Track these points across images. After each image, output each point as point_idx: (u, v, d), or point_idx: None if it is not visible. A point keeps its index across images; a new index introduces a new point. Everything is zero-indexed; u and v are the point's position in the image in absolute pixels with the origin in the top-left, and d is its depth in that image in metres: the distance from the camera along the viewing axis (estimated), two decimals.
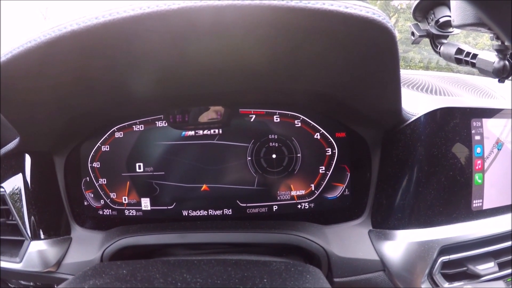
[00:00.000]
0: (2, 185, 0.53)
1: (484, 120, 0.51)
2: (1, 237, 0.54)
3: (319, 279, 0.36)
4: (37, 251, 0.50)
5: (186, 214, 0.51)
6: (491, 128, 0.52)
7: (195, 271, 0.37)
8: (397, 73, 0.38)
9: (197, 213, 0.51)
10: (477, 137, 0.52)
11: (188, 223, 0.50)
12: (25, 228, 0.50)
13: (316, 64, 0.39)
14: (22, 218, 0.51)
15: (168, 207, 0.52)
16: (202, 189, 0.51)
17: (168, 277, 0.35)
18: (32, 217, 0.51)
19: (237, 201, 0.51)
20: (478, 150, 0.51)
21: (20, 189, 0.52)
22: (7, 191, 0.52)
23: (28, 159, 0.52)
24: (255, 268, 0.37)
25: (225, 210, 0.51)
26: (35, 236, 0.50)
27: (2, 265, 0.52)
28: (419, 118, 0.47)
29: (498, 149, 0.53)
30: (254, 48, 0.36)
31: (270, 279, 0.35)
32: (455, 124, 0.48)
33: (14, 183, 0.52)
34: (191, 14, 0.31)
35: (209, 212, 0.51)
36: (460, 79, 0.76)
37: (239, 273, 0.36)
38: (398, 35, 0.41)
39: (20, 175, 0.52)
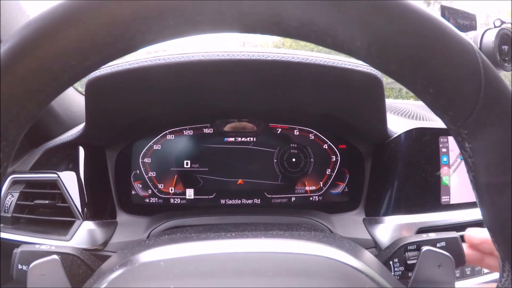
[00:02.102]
0: (55, 171, 0.57)
1: (449, 137, 0.62)
2: (52, 218, 0.56)
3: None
4: (87, 230, 0.53)
5: (224, 203, 0.61)
6: (455, 143, 0.63)
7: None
8: (383, 105, 0.52)
9: (233, 201, 0.61)
10: (444, 150, 0.62)
11: (225, 209, 0.60)
12: (77, 209, 0.54)
13: (329, 96, 0.53)
14: (74, 201, 0.54)
15: (209, 197, 0.61)
16: (238, 182, 0.61)
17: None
18: (84, 200, 0.54)
19: (265, 193, 0.61)
20: (445, 159, 0.61)
21: (73, 176, 0.56)
22: (61, 177, 0.55)
23: (81, 150, 0.57)
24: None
25: (255, 200, 0.61)
26: (85, 218, 0.54)
27: (51, 243, 0.52)
28: (400, 135, 0.59)
29: (460, 159, 0.63)
30: (287, 87, 0.50)
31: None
32: (426, 139, 0.60)
33: (68, 171, 0.56)
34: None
35: (242, 201, 0.61)
36: None
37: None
38: None
39: (73, 164, 0.56)
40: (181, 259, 0.24)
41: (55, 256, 0.34)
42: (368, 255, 0.32)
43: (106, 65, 0.47)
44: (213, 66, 0.45)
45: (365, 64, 0.48)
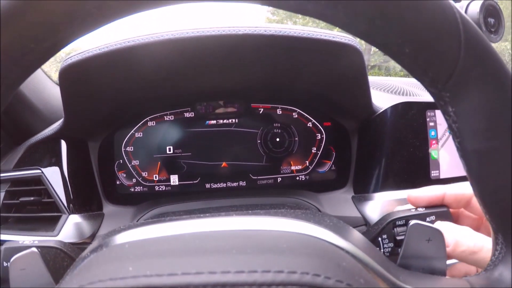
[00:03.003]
0: (39, 167, 0.56)
1: (437, 111, 0.61)
2: (38, 215, 0.55)
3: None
4: (73, 224, 0.53)
5: (209, 187, 0.60)
6: (443, 117, 0.65)
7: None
8: (366, 77, 0.51)
9: (218, 185, 0.60)
10: (431, 124, 0.62)
11: (210, 193, 0.59)
12: (63, 204, 0.54)
13: (309, 72, 0.52)
14: (59, 196, 0.54)
15: (194, 182, 0.60)
16: (222, 165, 0.60)
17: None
18: (68, 195, 0.54)
19: (250, 175, 0.60)
20: (433, 133, 0.60)
21: (56, 171, 0.55)
22: (45, 173, 0.55)
23: (64, 144, 0.56)
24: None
25: (240, 182, 0.60)
26: (71, 211, 0.53)
27: (42, 239, 0.54)
28: (385, 110, 0.58)
29: (449, 133, 0.62)
30: (264, 62, 0.49)
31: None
32: (413, 114, 0.58)
33: (51, 166, 0.55)
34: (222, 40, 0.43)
35: (227, 184, 0.60)
36: None
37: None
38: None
39: (56, 158, 0.55)
40: (145, 240, 0.24)
41: (33, 249, 0.33)
42: (352, 232, 0.30)
43: (77, 52, 0.46)
44: (183, 44, 0.44)
45: (341, 34, 0.46)
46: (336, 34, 0.46)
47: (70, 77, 0.48)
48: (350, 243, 0.23)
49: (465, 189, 0.37)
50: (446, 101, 0.20)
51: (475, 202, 0.37)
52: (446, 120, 0.21)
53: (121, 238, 0.25)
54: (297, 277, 0.17)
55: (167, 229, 0.25)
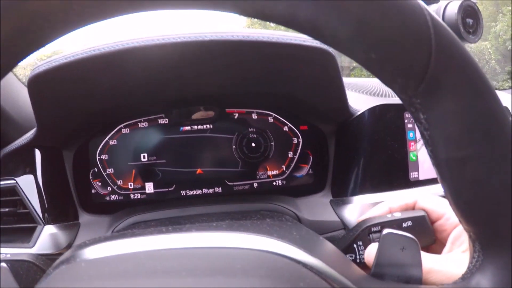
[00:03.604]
0: (13, 177, 0.55)
1: None
2: (12, 226, 0.55)
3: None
4: (49, 235, 0.52)
5: (184, 194, 0.59)
6: None
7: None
8: (340, 80, 0.50)
9: (193, 192, 0.59)
10: (410, 125, 0.61)
11: (186, 201, 0.58)
12: (37, 214, 0.53)
13: (282, 76, 0.51)
14: (34, 206, 0.53)
15: (169, 189, 0.59)
16: (197, 172, 0.59)
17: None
18: (43, 205, 0.53)
19: (226, 181, 0.59)
20: (411, 135, 0.60)
21: (31, 181, 0.54)
22: (19, 183, 0.54)
23: (38, 153, 0.55)
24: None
25: (216, 188, 0.59)
26: (46, 222, 0.53)
27: (14, 252, 0.51)
28: (363, 112, 0.57)
29: None
30: (236, 67, 0.48)
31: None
32: (391, 116, 0.58)
33: (25, 175, 0.55)
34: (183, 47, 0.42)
35: (203, 191, 0.59)
36: None
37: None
38: None
39: (30, 168, 0.55)
40: (94, 260, 0.23)
41: (3, 264, 0.33)
42: (321, 244, 0.29)
43: (43, 61, 0.46)
44: (150, 52, 0.43)
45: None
46: (307, 38, 0.45)
47: (38, 87, 0.47)
48: (317, 257, 0.22)
49: (438, 205, 0.36)
50: (417, 108, 0.19)
51: (440, 224, 0.36)
52: (418, 127, 0.20)
53: (83, 254, 0.25)
54: None
55: (125, 245, 0.24)
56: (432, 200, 0.37)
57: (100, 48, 0.43)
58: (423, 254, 0.29)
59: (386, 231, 0.28)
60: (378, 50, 0.18)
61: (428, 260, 0.31)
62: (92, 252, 0.24)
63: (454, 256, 0.32)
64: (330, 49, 0.46)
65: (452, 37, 0.18)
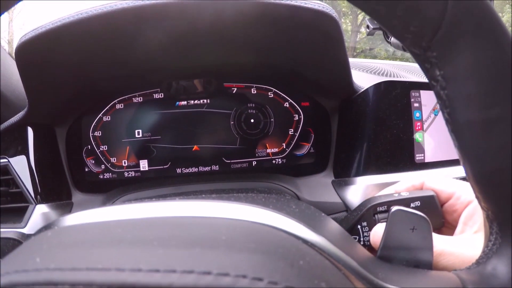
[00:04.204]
0: (5, 156, 0.54)
1: (421, 91, 0.58)
2: (4, 206, 0.53)
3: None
4: (41, 214, 0.51)
5: (180, 172, 0.57)
6: (428, 97, 0.60)
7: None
8: (344, 49, 0.48)
9: (189, 170, 0.57)
10: (416, 104, 0.60)
11: (182, 179, 0.56)
12: (29, 194, 0.52)
13: (283, 45, 0.49)
14: (26, 185, 0.52)
15: (164, 167, 0.57)
16: (194, 149, 0.57)
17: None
18: (36, 184, 0.52)
19: (223, 158, 0.57)
20: (417, 114, 0.58)
21: (23, 160, 0.53)
22: (11, 162, 0.53)
23: (30, 131, 0.54)
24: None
25: (213, 166, 0.57)
26: (38, 201, 0.52)
27: (6, 231, 0.50)
28: (367, 89, 0.55)
29: (435, 115, 0.61)
30: (234, 35, 0.46)
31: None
32: (397, 93, 0.56)
33: (17, 154, 0.53)
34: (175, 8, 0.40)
35: (199, 169, 0.57)
36: (412, 67, 0.88)
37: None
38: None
39: (23, 147, 0.53)
40: (67, 228, 0.22)
41: None
42: (325, 220, 0.27)
43: (31, 29, 0.43)
44: (139, 14, 0.40)
45: (315, 1, 0.43)
46: (309, 1, 0.42)
47: (26, 57, 0.45)
48: (319, 234, 0.20)
49: (446, 184, 0.34)
50: (433, 63, 0.17)
51: (450, 205, 0.33)
52: (433, 87, 0.18)
53: (55, 224, 0.24)
54: (229, 281, 0.13)
55: (95, 215, 0.23)
56: (440, 180, 0.35)
57: (88, 11, 0.41)
58: (433, 235, 0.26)
59: (395, 208, 0.25)
60: None
61: (439, 242, 0.28)
62: (63, 222, 0.23)
63: (467, 237, 0.30)
64: (334, 14, 0.43)
65: None
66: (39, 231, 0.23)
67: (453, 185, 0.34)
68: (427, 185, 0.36)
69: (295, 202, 0.30)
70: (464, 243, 0.29)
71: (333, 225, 0.27)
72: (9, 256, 0.19)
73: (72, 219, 0.23)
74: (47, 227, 0.23)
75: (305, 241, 0.19)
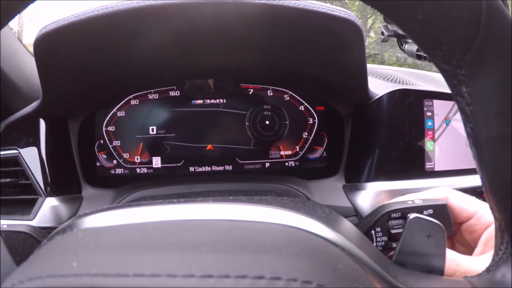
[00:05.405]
0: (16, 147, 0.54)
1: (434, 100, 0.59)
2: (13, 198, 0.53)
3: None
4: (50, 207, 0.51)
5: (193, 170, 0.57)
6: (440, 107, 0.60)
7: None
8: (364, 58, 0.48)
9: (202, 169, 0.57)
10: (429, 113, 0.61)
11: (194, 177, 0.56)
12: (39, 186, 0.51)
13: (304, 50, 0.49)
14: (36, 178, 0.52)
15: (177, 164, 0.57)
16: (207, 148, 0.57)
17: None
18: (46, 176, 0.52)
19: (236, 159, 0.58)
20: (430, 123, 0.59)
21: (34, 151, 0.53)
22: (22, 153, 0.53)
23: (42, 123, 0.54)
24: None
25: (226, 166, 0.57)
26: (48, 194, 0.51)
27: (14, 223, 0.49)
28: (382, 96, 0.56)
29: (446, 124, 0.61)
30: (255, 37, 0.46)
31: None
32: (410, 102, 0.56)
33: (28, 146, 0.53)
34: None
35: (213, 168, 0.57)
36: (423, 74, 0.89)
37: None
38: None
39: (34, 138, 0.53)
40: (101, 228, 0.21)
41: None
42: (346, 224, 0.27)
43: (52, 21, 0.43)
44: (165, 13, 0.40)
45: (340, 8, 0.43)
46: (335, 8, 0.43)
47: (45, 49, 0.45)
48: (346, 238, 0.20)
49: (469, 203, 0.34)
50: (461, 80, 0.18)
51: (471, 224, 0.34)
52: (458, 102, 0.18)
53: (82, 223, 0.22)
54: (281, 284, 0.14)
55: (131, 215, 0.22)
56: (463, 198, 0.35)
57: (113, 6, 0.41)
58: (459, 255, 0.27)
59: (413, 215, 0.26)
60: (426, 9, 0.16)
61: (464, 261, 0.29)
62: (91, 222, 0.22)
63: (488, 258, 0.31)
64: (358, 22, 0.44)
65: (500, 3, 0.17)
66: (63, 230, 0.22)
67: (475, 205, 0.34)
68: (450, 202, 0.36)
69: (319, 206, 0.30)
70: (486, 264, 0.30)
71: (354, 230, 0.28)
72: (34, 257, 0.18)
73: (99, 218, 0.22)
74: (71, 226, 0.22)
75: (337, 246, 0.19)
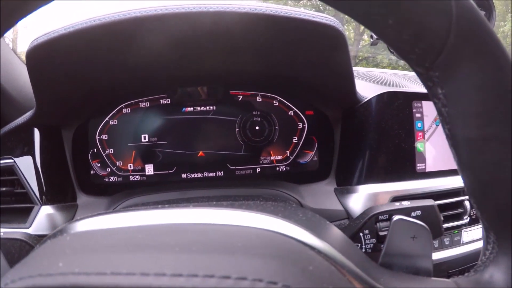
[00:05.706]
0: (11, 156, 0.54)
1: (424, 102, 0.59)
2: (9, 206, 0.53)
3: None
4: (46, 215, 0.51)
5: (185, 177, 0.58)
6: (430, 108, 0.60)
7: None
8: (349, 62, 0.49)
9: (194, 175, 0.58)
10: (418, 115, 0.60)
11: (186, 184, 0.57)
12: (35, 194, 0.52)
13: (290, 56, 0.49)
14: (31, 186, 0.52)
15: (169, 171, 0.58)
16: (199, 155, 0.58)
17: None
18: (41, 185, 0.52)
19: (228, 164, 0.58)
20: (419, 125, 0.59)
21: (29, 160, 0.53)
22: (17, 162, 0.53)
23: (37, 132, 0.54)
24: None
25: (218, 172, 0.58)
26: (43, 202, 0.52)
27: (11, 231, 0.49)
28: (370, 99, 0.56)
29: (436, 125, 0.61)
30: (242, 44, 0.47)
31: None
32: (399, 104, 0.57)
33: (23, 155, 0.54)
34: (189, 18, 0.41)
35: (204, 174, 0.58)
36: (415, 76, 0.89)
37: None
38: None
39: (29, 147, 0.54)
40: (86, 232, 0.22)
41: None
42: (329, 228, 0.28)
43: (43, 33, 0.44)
44: (151, 22, 0.41)
45: (322, 14, 0.44)
46: (317, 14, 0.43)
47: (37, 60, 0.46)
48: (325, 241, 0.21)
49: None
50: (435, 82, 0.18)
51: None
52: (435, 103, 0.19)
53: (71, 228, 0.24)
54: (247, 284, 0.14)
55: (116, 220, 0.23)
56: None
57: (101, 18, 0.42)
58: None
59: (396, 217, 0.27)
60: (396, 15, 0.17)
61: None
62: (79, 227, 0.23)
63: None
64: (340, 27, 0.44)
65: (472, 6, 0.17)
66: (54, 235, 0.23)
67: None
68: None
69: (301, 210, 0.31)
70: None
71: (337, 233, 0.28)
72: (27, 260, 0.19)
73: (88, 223, 0.24)
74: (62, 231, 0.24)
75: (312, 248, 0.20)
